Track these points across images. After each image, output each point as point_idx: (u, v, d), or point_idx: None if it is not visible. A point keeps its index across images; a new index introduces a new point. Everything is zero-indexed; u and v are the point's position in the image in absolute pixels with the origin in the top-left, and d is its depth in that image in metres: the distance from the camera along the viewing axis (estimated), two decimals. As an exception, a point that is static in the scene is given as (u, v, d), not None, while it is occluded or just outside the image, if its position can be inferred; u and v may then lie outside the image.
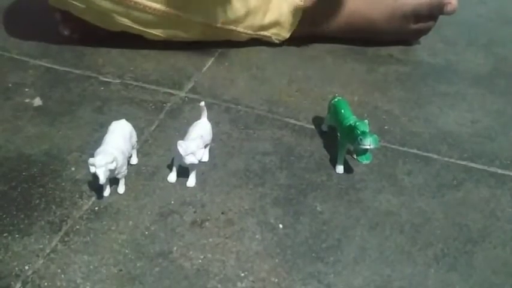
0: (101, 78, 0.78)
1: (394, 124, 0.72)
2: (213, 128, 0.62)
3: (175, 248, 0.52)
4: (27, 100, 0.72)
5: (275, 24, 0.85)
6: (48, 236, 0.52)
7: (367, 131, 0.58)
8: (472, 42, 0.97)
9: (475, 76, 0.86)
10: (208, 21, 0.74)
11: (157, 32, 0.81)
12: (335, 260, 0.52)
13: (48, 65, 0.81)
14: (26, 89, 0.74)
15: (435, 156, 0.66)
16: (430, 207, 0.59)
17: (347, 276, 0.50)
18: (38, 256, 0.50)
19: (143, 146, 0.64)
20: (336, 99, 0.66)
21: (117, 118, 0.60)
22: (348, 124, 0.60)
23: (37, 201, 0.56)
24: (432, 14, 0.87)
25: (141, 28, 0.79)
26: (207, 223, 0.55)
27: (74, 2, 0.75)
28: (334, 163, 0.63)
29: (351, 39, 0.91)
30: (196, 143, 0.56)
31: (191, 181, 0.59)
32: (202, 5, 0.78)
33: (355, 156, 0.62)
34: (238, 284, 0.49)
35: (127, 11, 0.76)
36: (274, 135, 0.67)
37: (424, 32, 0.91)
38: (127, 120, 0.59)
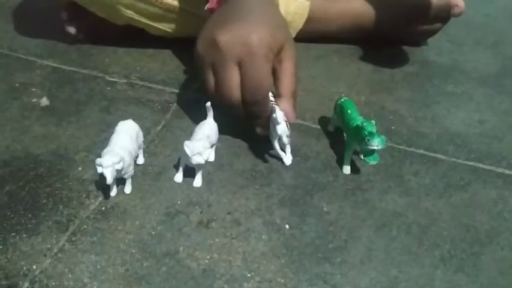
0: (108, 78, 0.78)
1: (401, 124, 0.72)
2: (219, 128, 0.62)
3: (181, 248, 0.52)
4: (34, 100, 0.72)
5: None
6: (55, 236, 0.52)
7: (375, 131, 0.57)
8: (479, 42, 0.97)
9: (483, 76, 0.86)
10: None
11: (163, 27, 0.81)
12: (341, 260, 0.52)
13: (55, 65, 0.81)
14: (33, 89, 0.75)
15: (442, 157, 0.66)
16: (437, 208, 0.58)
17: (353, 277, 0.50)
18: (45, 256, 0.50)
19: (149, 146, 0.65)
20: (342, 100, 0.66)
21: (123, 118, 0.60)
22: (355, 125, 0.60)
23: (44, 201, 0.56)
24: (439, 17, 0.87)
25: (146, 21, 0.79)
26: (213, 223, 0.55)
27: None
28: (340, 163, 0.63)
29: (357, 39, 0.91)
30: (202, 143, 0.57)
31: (197, 181, 0.59)
32: None
33: (361, 157, 0.62)
34: (245, 284, 0.49)
35: (133, 3, 0.76)
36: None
37: (431, 33, 0.91)
38: (133, 120, 0.60)
